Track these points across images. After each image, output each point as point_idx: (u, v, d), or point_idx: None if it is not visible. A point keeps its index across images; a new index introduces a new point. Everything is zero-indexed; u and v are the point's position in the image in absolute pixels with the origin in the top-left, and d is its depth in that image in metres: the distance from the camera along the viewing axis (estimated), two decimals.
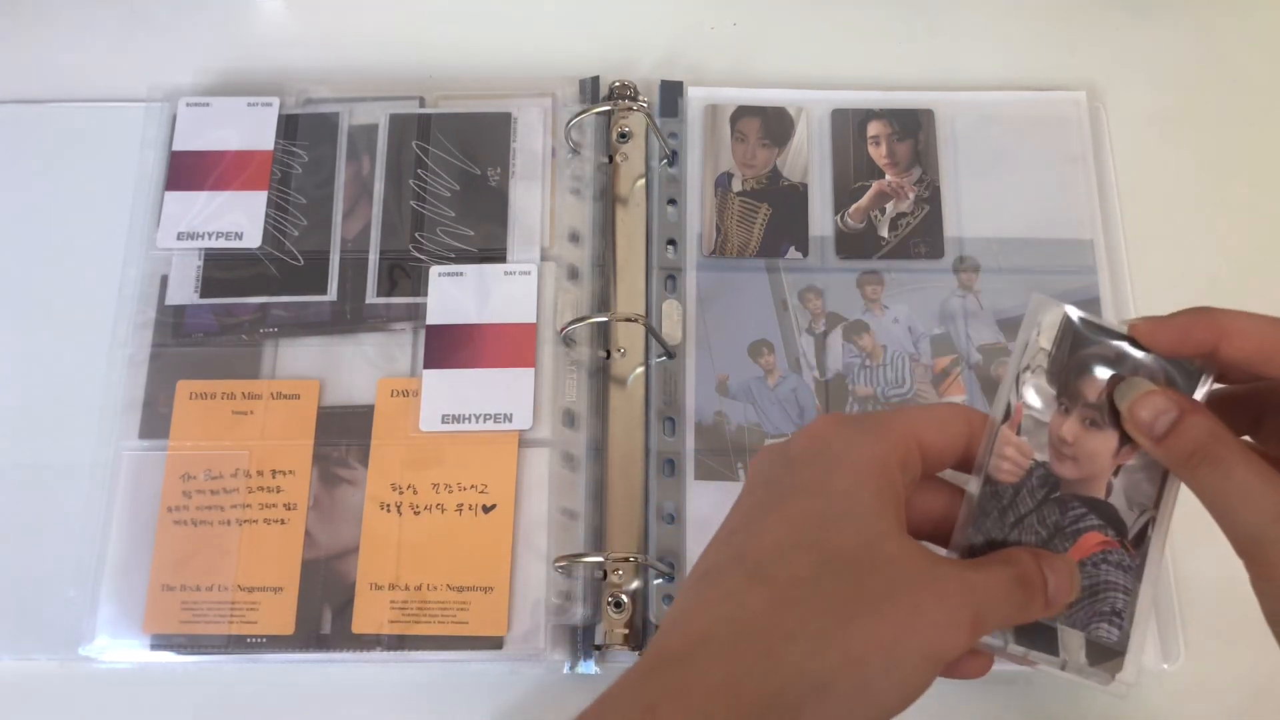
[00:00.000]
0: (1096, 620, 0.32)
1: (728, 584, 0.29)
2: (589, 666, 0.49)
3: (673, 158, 0.57)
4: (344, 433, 0.52)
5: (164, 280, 0.55)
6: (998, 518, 0.32)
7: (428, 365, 0.53)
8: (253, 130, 0.58)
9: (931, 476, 0.33)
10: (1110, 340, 0.33)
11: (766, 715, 0.26)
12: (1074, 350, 0.32)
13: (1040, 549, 0.32)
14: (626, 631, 0.48)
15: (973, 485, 0.32)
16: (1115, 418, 0.32)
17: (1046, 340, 0.33)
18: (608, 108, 0.57)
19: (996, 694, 0.48)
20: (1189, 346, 0.31)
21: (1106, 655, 0.32)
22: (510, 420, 0.51)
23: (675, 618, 0.29)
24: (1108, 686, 0.32)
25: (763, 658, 0.26)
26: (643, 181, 0.57)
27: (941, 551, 0.32)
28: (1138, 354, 0.32)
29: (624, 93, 0.58)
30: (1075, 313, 0.33)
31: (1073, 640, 0.32)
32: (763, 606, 0.27)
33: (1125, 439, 0.32)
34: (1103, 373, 0.32)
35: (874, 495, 0.29)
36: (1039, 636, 0.32)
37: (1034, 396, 0.32)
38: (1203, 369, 0.32)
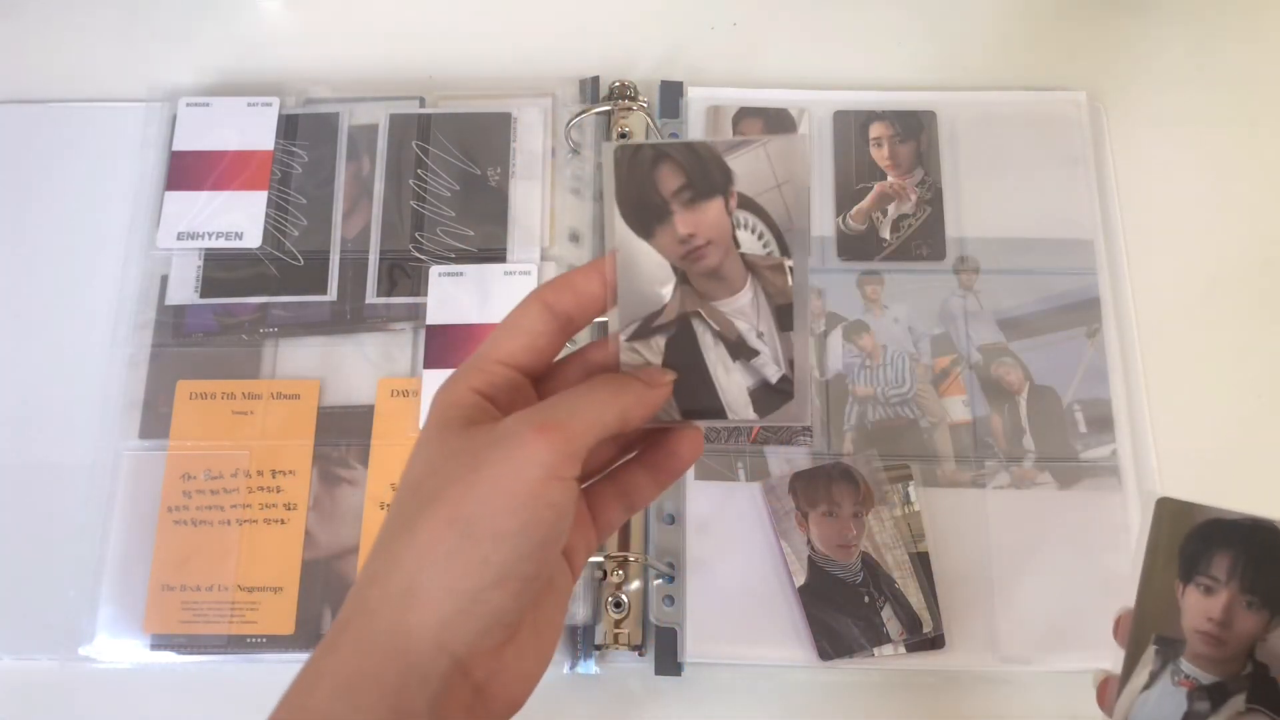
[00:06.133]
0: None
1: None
2: (589, 666, 0.49)
3: None
4: (344, 433, 0.52)
5: (164, 280, 0.55)
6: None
7: (428, 365, 0.53)
8: (253, 130, 0.58)
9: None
10: None
11: None
12: None
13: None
14: (627, 631, 0.48)
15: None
16: None
17: None
18: (608, 108, 0.57)
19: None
20: None
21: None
22: None
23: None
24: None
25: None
26: None
27: None
28: None
29: (624, 93, 0.58)
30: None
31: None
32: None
33: None
34: None
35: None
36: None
37: None
38: None
